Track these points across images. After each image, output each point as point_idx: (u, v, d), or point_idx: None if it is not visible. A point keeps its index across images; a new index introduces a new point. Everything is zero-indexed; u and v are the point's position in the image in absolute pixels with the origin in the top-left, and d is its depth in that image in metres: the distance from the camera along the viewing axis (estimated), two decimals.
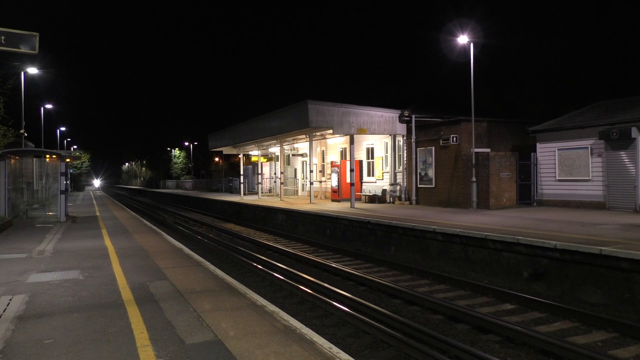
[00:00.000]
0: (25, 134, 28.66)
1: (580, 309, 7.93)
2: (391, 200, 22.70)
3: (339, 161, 25.24)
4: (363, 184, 24.92)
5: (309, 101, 20.34)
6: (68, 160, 22.59)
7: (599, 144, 16.50)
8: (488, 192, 18.01)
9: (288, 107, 23.13)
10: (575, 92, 31.88)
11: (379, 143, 24.06)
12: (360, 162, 24.98)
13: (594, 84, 32.82)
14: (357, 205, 21.04)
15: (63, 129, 56.35)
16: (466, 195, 18.56)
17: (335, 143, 27.68)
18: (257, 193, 33.57)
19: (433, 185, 20.50)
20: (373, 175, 24.77)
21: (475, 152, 18.09)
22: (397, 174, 22.76)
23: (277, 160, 33.50)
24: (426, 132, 20.94)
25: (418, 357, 6.06)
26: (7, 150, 19.08)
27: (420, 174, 21.21)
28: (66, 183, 19.94)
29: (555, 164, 18.02)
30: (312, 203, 23.08)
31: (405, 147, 21.98)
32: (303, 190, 31.95)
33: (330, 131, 21.55)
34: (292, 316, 6.24)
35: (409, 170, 21.75)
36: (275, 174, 34.57)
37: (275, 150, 32.94)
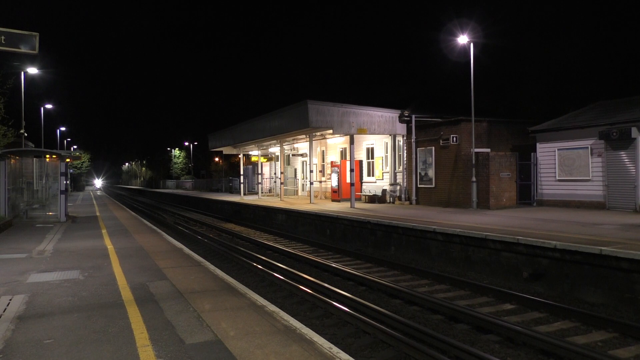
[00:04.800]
0: (25, 134, 28.64)
1: (580, 309, 7.93)
2: (391, 200, 22.69)
3: (339, 161, 25.24)
4: (363, 184, 24.92)
5: (309, 101, 20.33)
6: (68, 160, 22.59)
7: (599, 144, 16.49)
8: (488, 192, 18.01)
9: (288, 107, 23.13)
10: (575, 92, 31.90)
11: (379, 143, 24.06)
12: (360, 162, 24.98)
13: (594, 84, 32.85)
14: (357, 205, 21.04)
15: (63, 129, 56.37)
16: (466, 195, 18.56)
17: (335, 143, 27.68)
18: (257, 193, 33.56)
19: (433, 185, 20.50)
20: (373, 175, 24.76)
21: (475, 152, 18.09)
22: (397, 174, 22.75)
23: (277, 160, 33.50)
24: (426, 132, 20.94)
25: (418, 357, 6.05)
26: (7, 150, 19.08)
27: (420, 174, 21.20)
28: (66, 183, 19.93)
29: (555, 164, 18.02)
30: (312, 203, 23.07)
31: (405, 147, 21.97)
32: (303, 190, 31.95)
33: (330, 131, 21.55)
34: (292, 316, 6.25)
35: (409, 170, 21.75)
36: (275, 174, 34.57)
37: (275, 150, 32.93)
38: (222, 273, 8.48)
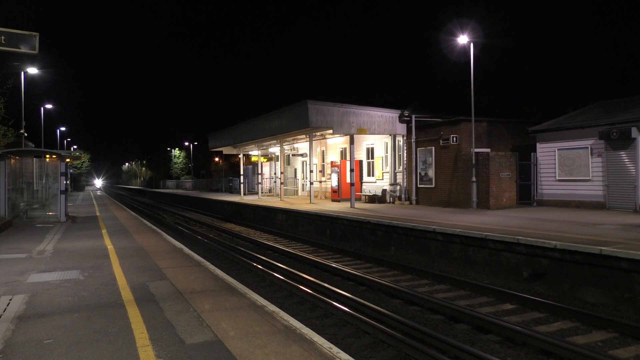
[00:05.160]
0: (25, 134, 28.64)
1: (580, 309, 7.93)
2: (391, 200, 22.69)
3: (339, 161, 25.24)
4: (363, 184, 24.92)
5: (309, 101, 20.33)
6: (68, 160, 22.59)
7: (599, 144, 16.49)
8: (488, 192, 18.01)
9: (288, 107, 23.13)
10: (575, 92, 31.89)
11: (379, 143, 24.06)
12: (360, 162, 24.98)
13: (594, 84, 32.84)
14: (357, 205, 21.04)
15: (63, 129, 56.36)
16: (466, 195, 18.56)
17: (335, 143, 27.68)
18: (257, 193, 33.57)
19: (433, 185, 20.50)
20: (373, 175, 24.76)
21: (475, 152, 18.09)
22: (397, 174, 22.76)
23: (277, 160, 33.50)
24: (426, 132, 20.94)
25: (418, 357, 6.06)
26: (7, 150, 19.07)
27: (420, 174, 21.21)
28: (66, 183, 19.94)
29: (555, 164, 18.02)
30: (312, 203, 23.07)
31: (405, 147, 21.97)
32: (303, 190, 31.95)
33: (330, 131, 21.55)
34: (292, 316, 6.25)
35: (409, 170, 21.75)
36: (275, 174, 34.57)
37: (275, 150, 32.94)
38: (222, 273, 8.48)
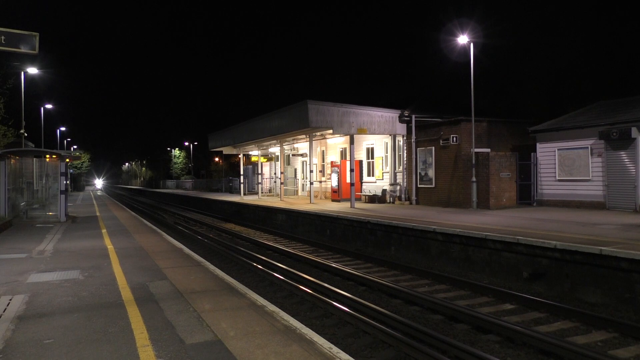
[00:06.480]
0: (25, 134, 28.62)
1: (580, 309, 7.93)
2: (391, 200, 22.70)
3: (339, 161, 25.24)
4: (363, 184, 24.92)
5: (309, 101, 20.33)
6: (68, 160, 22.58)
7: (599, 144, 16.49)
8: (488, 192, 18.01)
9: (288, 107, 23.13)
10: (575, 92, 31.86)
11: (379, 143, 24.06)
12: (360, 162, 24.98)
13: (594, 83, 32.81)
14: (357, 205, 21.04)
15: (63, 129, 56.40)
16: (466, 195, 18.56)
17: (335, 143, 27.68)
18: (257, 193, 33.57)
19: (433, 185, 20.50)
20: (373, 175, 24.77)
21: (475, 152, 18.09)
22: (397, 174, 22.76)
23: (277, 160, 33.51)
24: (426, 132, 20.94)
25: (418, 357, 6.06)
26: (7, 150, 19.07)
27: (420, 174, 21.21)
28: (66, 183, 19.93)
29: (555, 164, 18.02)
30: (312, 203, 23.07)
31: (405, 147, 21.98)
32: (303, 190, 31.95)
33: (330, 131, 21.55)
34: (292, 316, 6.25)
35: (409, 170, 21.75)
36: (275, 174, 34.58)
37: (275, 150, 32.94)
38: (222, 273, 8.48)
